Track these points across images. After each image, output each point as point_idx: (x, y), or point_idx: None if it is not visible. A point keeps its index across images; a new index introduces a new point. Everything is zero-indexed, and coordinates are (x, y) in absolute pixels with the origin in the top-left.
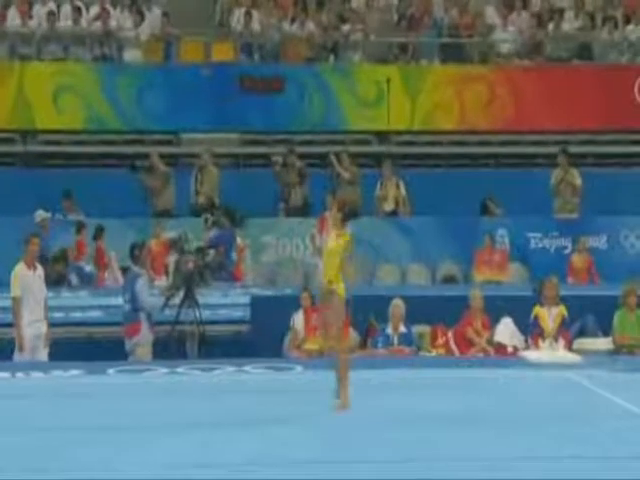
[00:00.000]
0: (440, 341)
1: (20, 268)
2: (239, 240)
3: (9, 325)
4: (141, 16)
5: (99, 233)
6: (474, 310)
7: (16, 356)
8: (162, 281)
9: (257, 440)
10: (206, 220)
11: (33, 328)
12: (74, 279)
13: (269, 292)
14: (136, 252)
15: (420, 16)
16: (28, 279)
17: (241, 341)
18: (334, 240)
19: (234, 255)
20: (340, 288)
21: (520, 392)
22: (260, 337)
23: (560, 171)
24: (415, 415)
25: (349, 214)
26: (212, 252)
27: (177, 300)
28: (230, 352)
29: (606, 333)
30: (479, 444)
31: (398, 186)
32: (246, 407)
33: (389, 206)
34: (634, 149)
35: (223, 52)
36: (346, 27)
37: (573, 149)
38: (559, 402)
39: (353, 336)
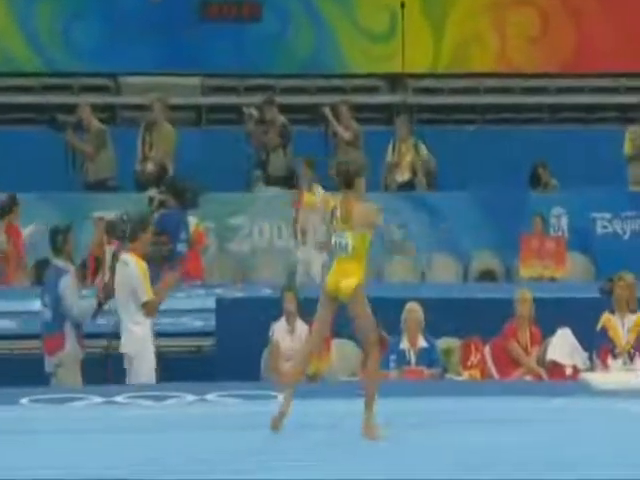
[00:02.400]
0: (474, 360)
1: (140, 261)
2: (193, 224)
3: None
4: None
5: (11, 207)
6: (520, 318)
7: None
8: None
9: None
10: (151, 200)
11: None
12: None
13: (240, 293)
14: (59, 240)
15: None
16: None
17: (203, 360)
18: None
19: (181, 246)
20: None
21: (580, 429)
22: (228, 354)
23: (638, 129)
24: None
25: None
26: (154, 239)
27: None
28: (188, 375)
29: None
30: None
31: (417, 149)
32: (212, 451)
33: (403, 176)
34: None
35: None
36: None
37: None
38: (634, 445)
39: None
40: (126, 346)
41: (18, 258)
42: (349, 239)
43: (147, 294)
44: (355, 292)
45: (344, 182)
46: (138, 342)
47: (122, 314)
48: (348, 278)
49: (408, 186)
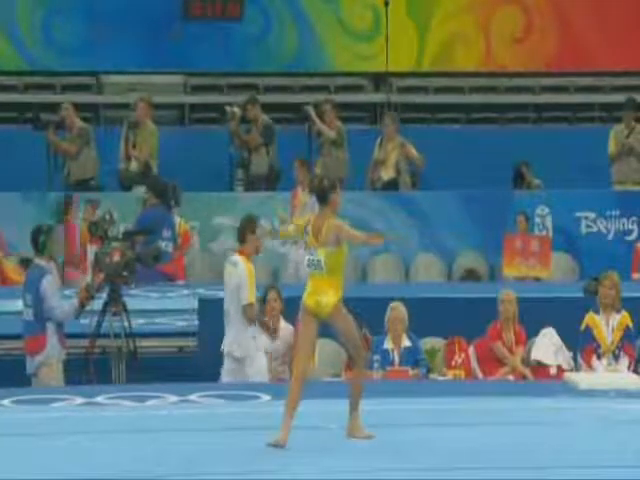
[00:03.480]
0: (458, 359)
1: (248, 262)
2: (178, 223)
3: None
4: None
5: (67, 206)
6: (505, 318)
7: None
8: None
9: None
10: (144, 201)
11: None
12: None
13: (223, 293)
14: (41, 239)
15: None
16: None
17: (186, 360)
18: None
19: (165, 244)
20: None
21: (564, 430)
22: (211, 354)
23: (623, 128)
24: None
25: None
26: (142, 239)
27: (98, 304)
28: (171, 375)
29: None
30: None
31: (403, 148)
32: (193, 453)
33: (388, 174)
34: None
35: None
36: None
37: None
38: (619, 446)
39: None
40: (233, 347)
41: (71, 256)
42: (321, 256)
43: (250, 297)
44: (335, 309)
45: (319, 198)
46: (246, 343)
47: (230, 314)
48: (327, 296)
49: (392, 184)
